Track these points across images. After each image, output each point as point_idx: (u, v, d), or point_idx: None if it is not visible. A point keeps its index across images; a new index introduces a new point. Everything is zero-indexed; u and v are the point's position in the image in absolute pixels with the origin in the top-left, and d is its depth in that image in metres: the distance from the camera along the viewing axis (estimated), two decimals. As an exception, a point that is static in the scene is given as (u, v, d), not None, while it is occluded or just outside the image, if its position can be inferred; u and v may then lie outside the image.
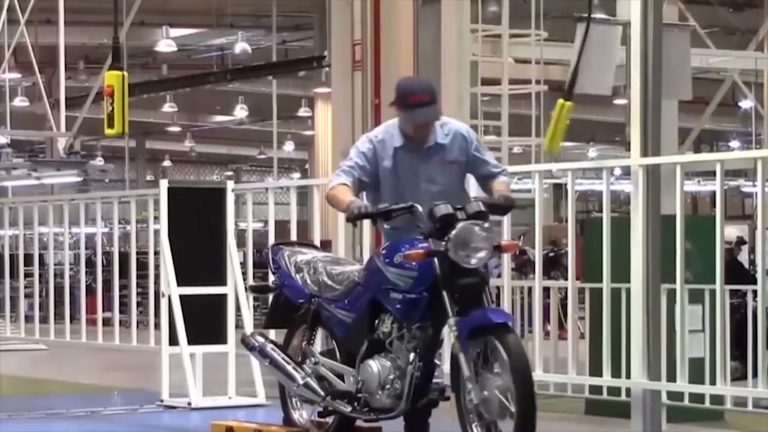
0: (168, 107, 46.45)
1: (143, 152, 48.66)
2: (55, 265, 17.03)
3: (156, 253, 13.43)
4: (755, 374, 11.80)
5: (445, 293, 7.68)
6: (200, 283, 12.91)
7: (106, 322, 15.37)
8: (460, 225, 7.82)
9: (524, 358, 7.31)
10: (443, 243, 7.79)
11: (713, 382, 11.51)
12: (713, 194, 10.04)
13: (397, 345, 8.12)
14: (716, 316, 11.53)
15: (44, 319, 16.32)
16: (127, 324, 14.84)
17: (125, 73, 14.97)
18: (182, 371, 12.62)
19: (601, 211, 12.05)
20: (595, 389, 13.07)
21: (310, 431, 9.50)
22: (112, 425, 12.25)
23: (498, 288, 13.26)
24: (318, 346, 9.46)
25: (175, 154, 56.69)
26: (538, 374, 12.17)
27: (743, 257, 16.29)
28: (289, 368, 9.02)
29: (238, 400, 12.90)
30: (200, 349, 12.83)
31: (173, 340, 12.73)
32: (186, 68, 40.28)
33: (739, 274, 14.11)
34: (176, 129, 52.72)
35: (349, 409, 8.57)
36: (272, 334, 10.82)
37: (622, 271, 11.85)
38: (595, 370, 12.70)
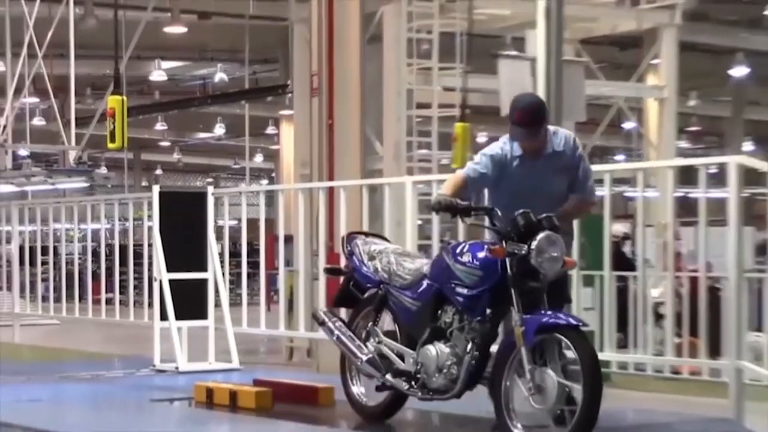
0: (159, 126, 46.27)
1: (139, 163, 48.36)
2: (66, 255, 16.80)
3: (149, 245, 13.34)
4: (635, 344, 12.23)
5: (513, 291, 7.10)
6: (185, 269, 12.83)
7: (108, 302, 15.42)
8: (544, 234, 7.16)
9: (596, 359, 6.83)
10: (525, 246, 7.13)
11: (602, 350, 11.67)
12: (603, 198, 10.28)
13: (456, 334, 7.51)
14: (605, 297, 11.87)
15: (57, 299, 16.31)
16: (125, 303, 14.75)
17: (124, 98, 14.84)
18: (171, 342, 12.57)
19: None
20: None
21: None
22: (113, 386, 12.07)
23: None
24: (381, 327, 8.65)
25: (165, 164, 56.21)
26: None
27: (627, 249, 16.64)
28: (354, 345, 8.40)
29: (216, 365, 12.73)
30: (185, 324, 12.75)
31: (163, 316, 12.67)
32: (174, 94, 39.98)
33: (623, 263, 14.20)
34: (166, 144, 52.34)
35: (406, 387, 7.99)
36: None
37: None
38: None
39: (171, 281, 12.78)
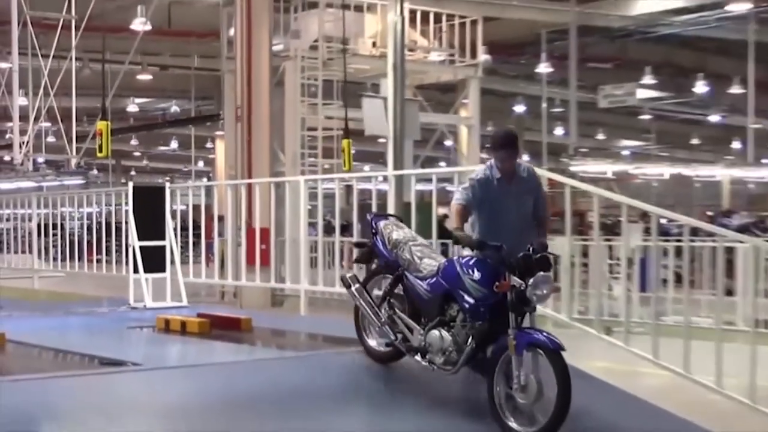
0: (133, 142, 45.99)
1: (119, 167, 47.64)
2: (69, 229, 16.80)
3: (126, 222, 12.94)
4: None
5: (510, 313, 6.27)
6: (151, 239, 12.60)
7: (98, 261, 15.22)
8: (540, 274, 6.32)
9: (568, 377, 6.01)
10: (524, 283, 6.29)
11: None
12: (431, 191, 10.33)
13: (458, 328, 6.65)
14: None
15: (63, 259, 16.17)
16: (110, 262, 14.70)
17: (109, 123, 14.81)
18: (141, 288, 12.34)
19: (371, 199, 12.29)
20: None
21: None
22: (101, 318, 11.91)
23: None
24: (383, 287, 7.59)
25: (138, 168, 55.52)
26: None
27: (447, 225, 16.68)
28: (372, 311, 7.34)
29: (171, 304, 12.41)
30: (150, 276, 12.46)
31: (136, 271, 12.44)
32: (143, 120, 39.69)
33: (444, 233, 14.30)
34: (138, 154, 51.98)
35: (412, 354, 7.04)
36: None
37: None
38: None
39: (141, 247, 12.57)
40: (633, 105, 34.65)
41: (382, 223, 7.52)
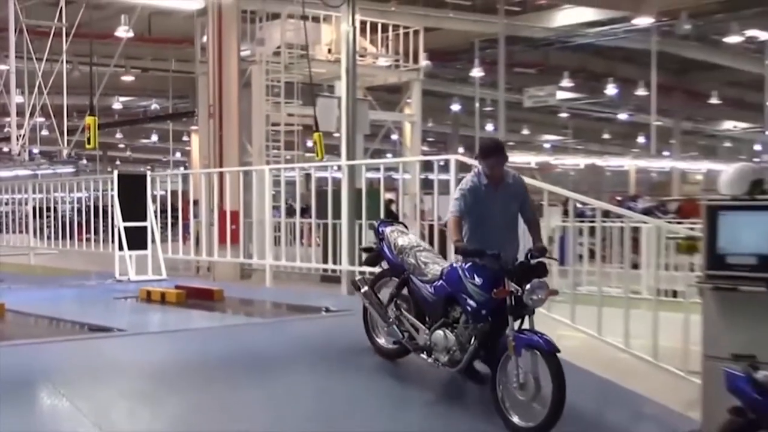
0: (118, 135, 45.62)
1: (106, 157, 46.92)
2: (62, 211, 16.53)
3: (112, 206, 12.92)
4: None
5: (510, 316, 5.96)
6: (134, 220, 12.59)
7: (88, 240, 14.97)
8: (537, 280, 6.00)
9: (563, 376, 5.72)
10: (521, 289, 5.96)
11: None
12: (379, 178, 10.33)
13: (461, 328, 6.29)
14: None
15: (56, 238, 15.92)
16: (98, 240, 14.59)
17: (96, 118, 14.67)
18: (125, 263, 12.35)
19: (326, 186, 12.23)
20: (326, 271, 12.81)
21: None
22: (90, 290, 11.86)
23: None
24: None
25: (122, 158, 54.79)
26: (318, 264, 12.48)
27: (393, 208, 16.64)
28: (381, 311, 6.93)
29: (152, 277, 12.39)
30: (134, 252, 12.48)
31: (121, 248, 12.44)
32: (127, 116, 39.38)
33: (391, 216, 14.20)
34: (122, 146, 51.52)
35: (418, 352, 6.64)
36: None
37: (337, 214, 11.72)
38: (326, 262, 12.60)
39: (125, 227, 12.53)
40: (553, 104, 34.96)
41: (388, 230, 7.11)
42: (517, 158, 31.28)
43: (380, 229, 7.15)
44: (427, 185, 16.88)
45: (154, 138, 46.90)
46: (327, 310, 9.15)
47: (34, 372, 6.17)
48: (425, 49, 20.97)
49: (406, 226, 7.43)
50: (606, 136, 51.49)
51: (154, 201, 13.31)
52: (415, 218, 14.60)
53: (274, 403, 6.19)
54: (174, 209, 14.27)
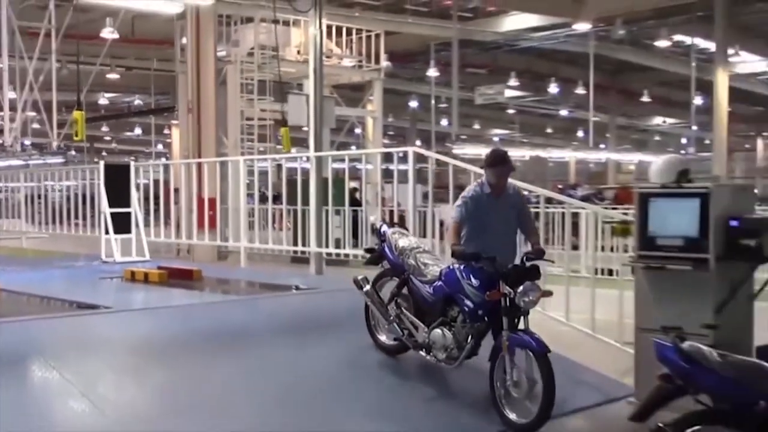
0: (104, 128, 45.12)
1: (93, 149, 46.38)
2: (52, 199, 16.26)
3: (98, 193, 12.70)
4: (363, 244, 11.58)
5: (504, 317, 5.73)
6: (119, 206, 12.43)
7: (77, 225, 14.76)
8: (528, 283, 5.77)
9: (552, 377, 5.51)
10: (512, 290, 5.72)
11: (344, 247, 11.75)
12: (344, 169, 10.27)
13: (458, 327, 6.05)
14: (346, 220, 11.87)
15: (47, 223, 15.82)
16: (86, 225, 14.46)
17: (83, 113, 14.55)
18: (111, 246, 12.20)
19: (296, 175, 12.18)
20: (296, 252, 12.90)
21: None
22: (79, 271, 11.66)
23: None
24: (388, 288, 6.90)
25: (108, 149, 53.98)
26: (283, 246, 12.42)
27: (357, 195, 16.63)
28: (382, 309, 6.65)
29: (136, 258, 12.21)
30: (119, 236, 12.31)
31: (107, 232, 12.30)
32: (113, 111, 38.95)
33: (355, 202, 14.14)
34: (108, 138, 50.94)
35: (417, 349, 6.38)
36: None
37: (306, 201, 11.68)
38: (296, 244, 12.60)
39: (111, 213, 12.36)
40: (501, 102, 35.12)
41: (389, 232, 6.83)
42: (469, 150, 31.35)
43: (382, 231, 6.89)
44: (387, 175, 16.96)
45: (138, 131, 46.54)
46: (297, 288, 9.13)
47: (26, 346, 6.08)
48: (386, 50, 20.93)
49: (407, 229, 7.19)
50: (549, 130, 51.81)
51: (138, 189, 13.16)
52: (376, 205, 14.64)
53: (249, 373, 6.17)
54: (156, 196, 14.07)
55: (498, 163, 6.44)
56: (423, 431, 5.76)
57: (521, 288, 5.73)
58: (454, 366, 6.12)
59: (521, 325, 5.85)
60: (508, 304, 5.77)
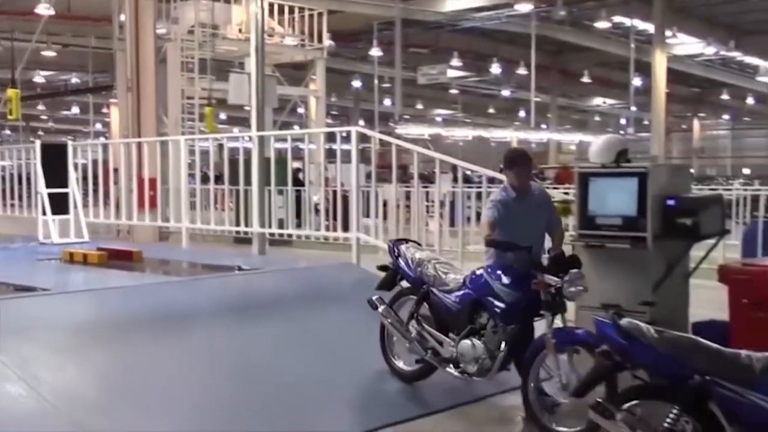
0: (40, 107, 44.26)
1: (29, 128, 45.34)
2: None
3: (35, 173, 12.40)
4: (306, 224, 11.54)
5: (547, 314, 5.32)
6: (56, 187, 12.13)
7: (12, 205, 14.35)
8: (576, 271, 5.36)
9: None
10: (560, 280, 5.31)
11: (287, 228, 11.70)
12: (287, 149, 10.14)
13: (489, 334, 5.63)
14: (288, 200, 11.79)
15: None
16: (22, 206, 14.13)
17: (18, 91, 14.31)
18: (48, 227, 11.95)
19: (238, 155, 12.01)
20: (238, 233, 12.75)
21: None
22: (16, 252, 11.40)
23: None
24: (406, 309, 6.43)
25: (45, 128, 52.95)
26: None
27: (300, 176, 16.52)
28: (402, 329, 6.21)
29: (75, 240, 11.96)
30: (57, 217, 12.05)
31: (44, 213, 12.04)
32: (48, 89, 38.11)
33: (298, 182, 13.77)
34: (45, 117, 49.96)
35: (445, 366, 5.93)
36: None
37: (249, 181, 11.51)
38: (238, 224, 12.54)
39: (48, 194, 12.10)
40: (444, 82, 35.21)
41: (403, 247, 6.49)
42: (412, 130, 31.45)
43: (395, 248, 6.53)
44: (330, 155, 16.90)
45: (76, 110, 45.65)
46: (240, 268, 9.06)
47: (-39, 330, 5.92)
48: (329, 30, 20.82)
49: (419, 244, 6.82)
50: (491, 110, 52.17)
51: (75, 169, 12.89)
52: (319, 185, 14.58)
53: (192, 354, 6.12)
54: (95, 176, 13.83)
55: (518, 163, 6.06)
56: (379, 403, 5.77)
57: (568, 276, 5.33)
58: (488, 378, 5.74)
59: (557, 323, 5.43)
60: (550, 297, 5.35)
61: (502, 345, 5.58)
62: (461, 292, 5.88)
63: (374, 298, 6.46)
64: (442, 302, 6.02)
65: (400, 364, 6.40)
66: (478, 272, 5.83)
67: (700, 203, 6.66)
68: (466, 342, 5.76)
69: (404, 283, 6.48)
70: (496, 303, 5.57)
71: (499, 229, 5.91)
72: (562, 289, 5.31)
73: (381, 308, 6.39)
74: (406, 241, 6.72)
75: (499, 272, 5.63)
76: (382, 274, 6.60)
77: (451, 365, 5.89)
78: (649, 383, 3.96)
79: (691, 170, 16.98)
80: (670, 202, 6.44)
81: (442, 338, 6.00)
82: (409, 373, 6.30)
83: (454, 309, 5.92)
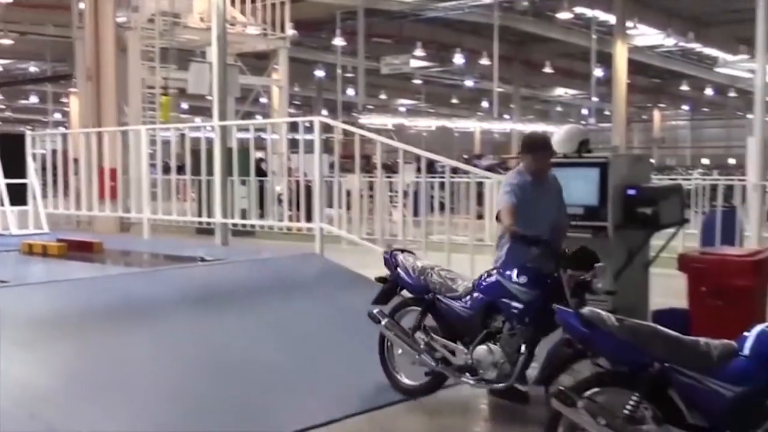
0: (-1, 97, 43.78)
1: (-16, 117, 45.19)
2: None
3: (-6, 164, 12.41)
4: (268, 215, 11.64)
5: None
6: (15, 177, 11.97)
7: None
8: (601, 264, 5.12)
9: None
10: (588, 274, 5.08)
11: (250, 218, 11.72)
12: (249, 139, 10.09)
13: (506, 338, 5.34)
14: (251, 191, 11.70)
15: None
16: None
17: None
18: (6, 218, 11.72)
19: (200, 146, 11.90)
20: (201, 223, 12.84)
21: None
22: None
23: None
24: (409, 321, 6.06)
25: (2, 118, 52.38)
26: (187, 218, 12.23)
27: (263, 166, 16.42)
28: (408, 341, 5.87)
29: (34, 231, 11.79)
30: (15, 208, 11.84)
31: (2, 204, 11.78)
32: (6, 78, 37.57)
33: (261, 172, 13.73)
34: (2, 106, 49.34)
35: (459, 376, 5.59)
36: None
37: (211, 171, 11.41)
38: (200, 215, 12.56)
39: (6, 184, 11.91)
40: (407, 72, 35.25)
41: (401, 257, 6.16)
42: (375, 120, 31.45)
43: (393, 258, 6.19)
44: (293, 145, 16.83)
45: (34, 99, 44.98)
46: (202, 259, 8.99)
47: None
48: (291, 19, 20.70)
49: (414, 254, 6.43)
50: (454, 101, 52.33)
51: (34, 159, 12.71)
52: (282, 175, 14.51)
53: (154, 346, 6.08)
54: (54, 166, 13.64)
55: (540, 147, 5.88)
56: (345, 392, 5.78)
57: (594, 270, 5.11)
58: (507, 384, 5.39)
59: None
60: (573, 290, 5.12)
61: (522, 347, 5.29)
62: (472, 297, 5.59)
63: (375, 311, 6.13)
64: (451, 309, 5.71)
65: (404, 378, 6.05)
66: (489, 275, 5.59)
67: (660, 193, 6.75)
68: (482, 348, 5.46)
69: (405, 293, 6.20)
70: (513, 304, 5.31)
71: (518, 213, 5.66)
72: (591, 283, 5.12)
73: (384, 321, 6.04)
74: (403, 251, 6.36)
75: (512, 272, 5.37)
76: (380, 285, 6.29)
77: (467, 374, 5.57)
78: (610, 371, 4.00)
79: (652, 160, 17.20)
80: (631, 192, 6.52)
81: (454, 347, 5.72)
82: (416, 388, 5.97)
83: (465, 315, 5.62)
